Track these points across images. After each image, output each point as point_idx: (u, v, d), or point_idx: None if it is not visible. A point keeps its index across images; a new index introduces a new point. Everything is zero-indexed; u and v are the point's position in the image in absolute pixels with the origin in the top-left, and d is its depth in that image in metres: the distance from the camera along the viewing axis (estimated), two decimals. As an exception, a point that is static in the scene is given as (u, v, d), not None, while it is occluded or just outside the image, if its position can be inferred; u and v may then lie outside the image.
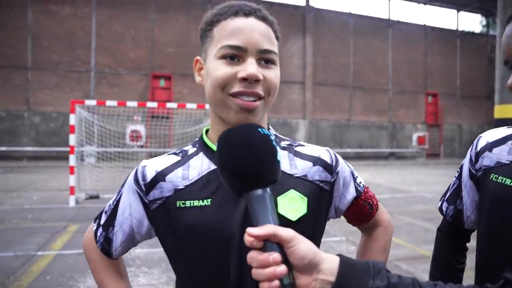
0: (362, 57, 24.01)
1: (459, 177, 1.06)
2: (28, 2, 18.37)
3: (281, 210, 0.81)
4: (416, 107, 25.96)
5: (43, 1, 18.57)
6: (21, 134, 18.20)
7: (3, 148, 17.19)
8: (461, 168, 1.06)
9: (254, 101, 0.79)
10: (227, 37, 0.79)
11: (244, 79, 0.77)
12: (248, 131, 0.70)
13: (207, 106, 10.21)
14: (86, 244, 1.00)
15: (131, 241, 0.94)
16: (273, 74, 0.81)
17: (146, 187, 0.87)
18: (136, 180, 0.89)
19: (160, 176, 0.87)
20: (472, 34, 27.73)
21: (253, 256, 0.61)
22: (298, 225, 0.78)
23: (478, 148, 0.98)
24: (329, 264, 0.63)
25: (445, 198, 1.13)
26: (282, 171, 0.79)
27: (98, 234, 0.95)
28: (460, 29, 27.40)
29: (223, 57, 0.79)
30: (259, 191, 0.66)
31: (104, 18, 19.71)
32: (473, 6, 26.54)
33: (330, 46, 23.02)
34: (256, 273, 0.60)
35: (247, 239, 0.61)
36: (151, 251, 4.86)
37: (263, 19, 0.82)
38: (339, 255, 0.66)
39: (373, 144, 24.29)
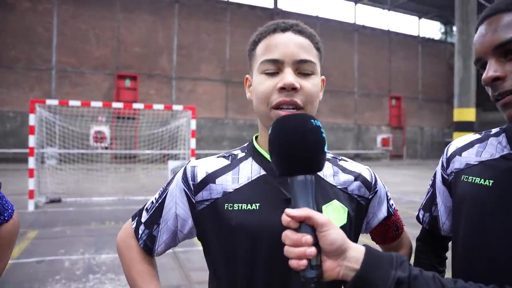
0: (329, 61, 24.46)
1: (433, 184, 1.10)
2: (-17, -4, 17.43)
3: None
4: (381, 110, 26.74)
5: (-1, -6, 17.69)
6: (-25, 135, 17.22)
7: (-45, 150, 16.18)
8: (434, 176, 1.11)
9: (293, 110, 0.84)
10: (266, 53, 0.87)
11: (282, 88, 0.83)
12: (302, 120, 0.73)
13: (174, 107, 10.05)
14: (122, 241, 1.00)
15: (174, 239, 0.96)
16: (310, 84, 0.86)
17: (195, 187, 0.91)
18: (185, 179, 0.92)
19: (211, 178, 0.91)
20: (432, 40, 28.92)
21: (287, 235, 0.66)
22: None
23: (449, 154, 1.04)
24: (356, 252, 0.68)
25: (421, 207, 1.16)
26: (326, 181, 0.92)
27: (140, 231, 0.97)
28: (421, 35, 28.50)
29: (264, 71, 0.86)
30: (302, 177, 0.70)
31: (66, 14, 18.99)
32: (433, 14, 27.69)
33: (298, 49, 23.25)
34: (288, 250, 0.66)
35: (284, 218, 0.66)
36: (117, 256, 4.68)
37: (300, 32, 0.88)
38: (365, 245, 0.71)
39: (339, 145, 24.78)
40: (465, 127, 11.25)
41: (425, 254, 1.14)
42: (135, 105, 9.55)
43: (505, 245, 0.83)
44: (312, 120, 0.74)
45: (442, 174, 1.06)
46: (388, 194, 1.05)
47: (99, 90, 19.36)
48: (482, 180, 0.90)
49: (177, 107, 9.92)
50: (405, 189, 11.42)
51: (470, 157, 0.97)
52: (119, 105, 9.40)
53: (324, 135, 0.74)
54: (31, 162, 8.04)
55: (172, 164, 9.23)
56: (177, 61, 20.89)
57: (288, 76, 0.83)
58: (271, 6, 23.19)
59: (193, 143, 9.22)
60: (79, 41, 19.16)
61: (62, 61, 18.88)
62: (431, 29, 29.79)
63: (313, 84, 0.87)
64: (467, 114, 11.39)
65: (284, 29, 0.88)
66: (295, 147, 0.70)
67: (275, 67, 0.85)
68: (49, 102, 8.62)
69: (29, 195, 7.84)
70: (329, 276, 0.68)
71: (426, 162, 25.61)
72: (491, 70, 0.80)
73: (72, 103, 8.67)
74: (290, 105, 0.84)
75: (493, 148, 0.94)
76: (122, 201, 8.85)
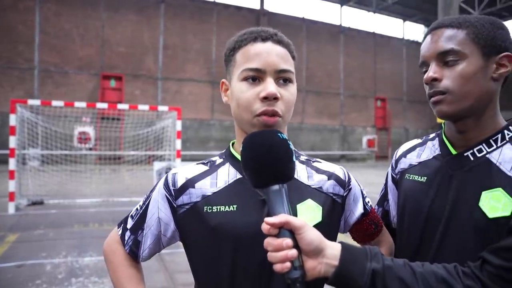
0: (314, 62, 24.57)
1: (386, 183, 1.27)
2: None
3: (300, 217, 0.88)
4: (366, 111, 26.98)
5: (-21, -8, 17.24)
6: (-46, 136, 16.73)
7: None
8: (386, 175, 1.27)
9: (274, 116, 0.88)
10: (248, 61, 0.89)
11: (265, 98, 0.86)
12: (269, 135, 0.80)
13: (159, 108, 9.95)
14: (109, 247, 1.04)
15: (158, 244, 1.00)
16: (289, 93, 0.91)
17: (175, 192, 0.95)
18: (166, 185, 0.97)
19: (190, 183, 0.95)
20: (416, 43, 29.34)
21: (269, 242, 0.72)
22: None
23: (397, 156, 1.20)
24: (333, 250, 0.75)
25: (377, 202, 1.31)
26: (300, 182, 0.96)
27: (126, 237, 1.01)
28: (406, 37, 28.89)
29: (245, 79, 0.89)
30: (276, 187, 0.76)
31: (49, 13, 18.63)
32: (417, 17, 28.10)
33: (284, 50, 23.31)
34: (271, 256, 0.71)
35: (264, 227, 0.72)
36: (100, 258, 4.60)
37: (279, 42, 0.92)
38: (340, 242, 0.78)
39: (325, 146, 24.91)
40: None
41: None
42: (120, 106, 9.43)
43: (438, 234, 0.96)
44: (279, 134, 0.81)
45: (391, 174, 1.22)
46: (364, 192, 1.11)
47: (84, 91, 19.05)
48: (419, 177, 1.06)
49: (162, 108, 9.84)
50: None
51: (412, 158, 1.14)
52: (104, 105, 9.25)
53: (291, 146, 0.81)
54: (12, 164, 7.86)
55: (157, 165, 9.11)
56: (163, 61, 20.71)
57: (270, 86, 0.86)
58: (258, 7, 23.18)
59: (178, 144, 9.14)
60: (62, 40, 18.81)
61: (45, 60, 18.51)
62: (415, 31, 30.25)
63: (291, 93, 0.92)
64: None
65: (265, 39, 0.91)
66: (267, 161, 0.77)
67: (257, 75, 0.89)
68: (31, 102, 8.44)
69: (10, 198, 7.66)
70: (312, 275, 0.73)
71: (411, 163, 25.88)
72: (431, 71, 0.97)
73: (55, 103, 8.50)
74: (271, 113, 0.87)
75: (429, 150, 1.11)
76: (106, 202, 8.72)
